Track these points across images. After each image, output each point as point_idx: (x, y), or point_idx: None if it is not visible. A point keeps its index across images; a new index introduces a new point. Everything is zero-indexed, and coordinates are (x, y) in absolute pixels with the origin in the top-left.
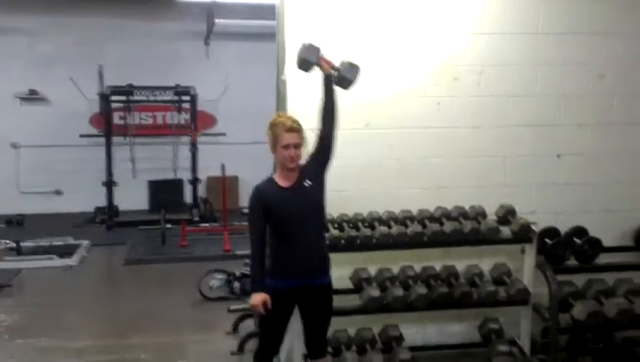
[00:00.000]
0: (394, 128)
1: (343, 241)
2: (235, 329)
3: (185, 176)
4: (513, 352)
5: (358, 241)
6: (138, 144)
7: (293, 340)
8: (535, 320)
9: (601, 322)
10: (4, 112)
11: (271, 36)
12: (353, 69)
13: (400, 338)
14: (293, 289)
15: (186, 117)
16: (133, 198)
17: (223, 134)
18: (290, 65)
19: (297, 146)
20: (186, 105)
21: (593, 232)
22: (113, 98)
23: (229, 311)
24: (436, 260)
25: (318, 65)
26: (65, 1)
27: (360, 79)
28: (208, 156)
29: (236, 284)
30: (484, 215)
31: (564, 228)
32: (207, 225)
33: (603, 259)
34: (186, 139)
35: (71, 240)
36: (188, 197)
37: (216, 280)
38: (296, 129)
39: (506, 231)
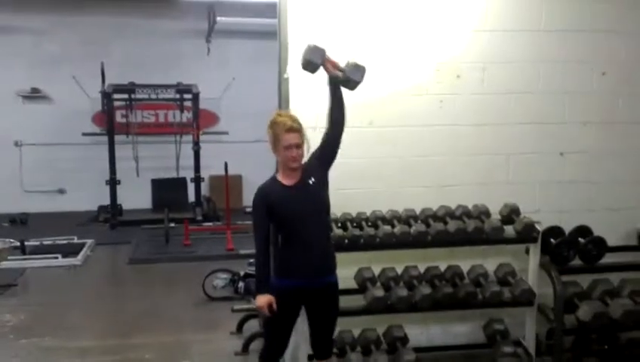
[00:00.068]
0: (397, 126)
1: (346, 241)
2: (239, 329)
3: (188, 174)
4: (518, 353)
5: (362, 241)
6: (141, 142)
7: (299, 340)
8: (540, 321)
9: (606, 323)
10: (7, 111)
11: (273, 34)
12: (359, 70)
13: (405, 339)
14: (299, 289)
15: (189, 115)
16: (136, 197)
17: (226, 133)
18: (293, 64)
19: (299, 146)
20: (188, 104)
21: (597, 231)
22: (115, 96)
23: (233, 310)
24: (441, 260)
25: (324, 66)
26: (68, 0)
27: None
28: (211, 155)
29: (240, 284)
30: (487, 214)
31: (568, 227)
32: (210, 224)
33: (607, 258)
34: (188, 137)
35: (75, 240)
36: (191, 196)
37: (220, 280)
38: (296, 128)
39: (510, 230)
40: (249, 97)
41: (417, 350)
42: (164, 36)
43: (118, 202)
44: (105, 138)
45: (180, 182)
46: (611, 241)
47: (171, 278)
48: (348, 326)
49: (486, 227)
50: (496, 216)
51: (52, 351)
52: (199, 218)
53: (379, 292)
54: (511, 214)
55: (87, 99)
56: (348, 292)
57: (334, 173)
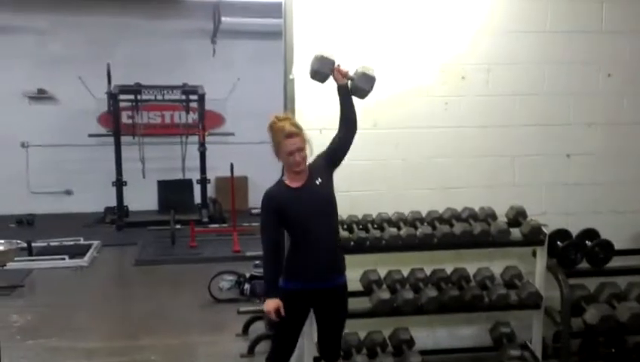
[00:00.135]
0: (401, 128)
1: (352, 243)
2: (245, 331)
3: (194, 176)
4: (525, 356)
5: (368, 243)
6: (147, 144)
7: (304, 342)
8: (547, 324)
9: (613, 326)
10: (13, 111)
11: (278, 35)
12: (368, 79)
13: (411, 342)
14: (309, 291)
15: (194, 116)
16: (142, 198)
17: (232, 134)
18: (298, 65)
19: (301, 150)
20: (194, 105)
21: (604, 234)
22: (121, 97)
23: (239, 312)
24: (447, 262)
25: (332, 76)
26: (73, 0)
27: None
28: (217, 156)
29: (246, 286)
30: (494, 216)
31: (574, 229)
32: (216, 225)
33: (615, 261)
34: (194, 138)
35: (81, 241)
36: (197, 198)
37: (226, 282)
38: (296, 133)
39: (516, 233)
40: (255, 98)
41: (423, 353)
42: (170, 37)
43: (125, 203)
44: (111, 139)
45: (186, 184)
46: (618, 244)
47: (177, 280)
48: (354, 329)
49: (492, 229)
50: (502, 219)
51: (59, 352)
52: (205, 219)
53: (385, 294)
54: (517, 217)
55: (93, 100)
56: (354, 294)
57: (340, 175)
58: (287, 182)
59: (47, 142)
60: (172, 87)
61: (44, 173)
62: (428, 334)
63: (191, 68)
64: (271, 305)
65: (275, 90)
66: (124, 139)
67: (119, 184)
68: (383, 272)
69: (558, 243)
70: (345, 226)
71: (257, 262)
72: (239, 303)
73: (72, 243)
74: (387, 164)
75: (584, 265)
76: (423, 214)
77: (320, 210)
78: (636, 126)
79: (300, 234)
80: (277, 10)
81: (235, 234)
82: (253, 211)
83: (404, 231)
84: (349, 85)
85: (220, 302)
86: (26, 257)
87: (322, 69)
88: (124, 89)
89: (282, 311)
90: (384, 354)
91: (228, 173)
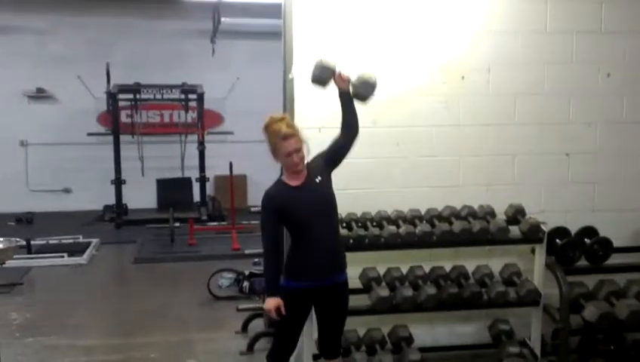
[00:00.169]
0: (402, 126)
1: (351, 241)
2: (244, 328)
3: (193, 174)
4: (524, 353)
5: (367, 241)
6: (146, 142)
7: (304, 339)
8: (546, 321)
9: (612, 323)
10: (12, 110)
11: (277, 35)
12: (369, 85)
13: (410, 339)
14: (310, 290)
15: (193, 115)
16: (141, 197)
17: (231, 133)
18: (298, 64)
19: (298, 150)
20: (193, 104)
21: (603, 232)
22: (121, 96)
23: (238, 310)
24: (446, 260)
25: (334, 81)
26: (73, 0)
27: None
28: (216, 154)
29: (245, 283)
30: (493, 214)
31: (573, 227)
32: (215, 223)
33: (613, 259)
34: (193, 137)
35: (80, 239)
36: (196, 196)
37: (225, 279)
38: (292, 134)
39: (515, 230)
40: (254, 97)
41: (422, 350)
42: (169, 36)
43: (124, 202)
44: (110, 138)
45: (185, 182)
46: (617, 242)
47: (176, 277)
48: (353, 326)
49: (491, 227)
50: (501, 217)
51: (58, 350)
52: (204, 217)
53: (384, 292)
54: (516, 215)
55: (93, 99)
56: (353, 291)
57: (339, 174)
58: (286, 180)
59: (47, 140)
60: (171, 87)
61: (43, 172)
62: (427, 331)
63: (190, 68)
64: (271, 303)
65: (274, 90)
66: (123, 137)
67: (118, 182)
68: (382, 270)
69: (557, 240)
70: (344, 224)
71: (256, 259)
72: (238, 301)
73: (71, 241)
74: (387, 163)
75: (583, 262)
76: (422, 212)
77: (320, 210)
78: (635, 125)
79: (300, 233)
80: (276, 11)
81: (234, 232)
82: (252, 209)
83: (404, 228)
84: (350, 90)
85: (219, 300)
86: (25, 255)
87: (324, 76)
88: (124, 88)
89: (283, 309)
90: (383, 351)
91: (227, 172)
